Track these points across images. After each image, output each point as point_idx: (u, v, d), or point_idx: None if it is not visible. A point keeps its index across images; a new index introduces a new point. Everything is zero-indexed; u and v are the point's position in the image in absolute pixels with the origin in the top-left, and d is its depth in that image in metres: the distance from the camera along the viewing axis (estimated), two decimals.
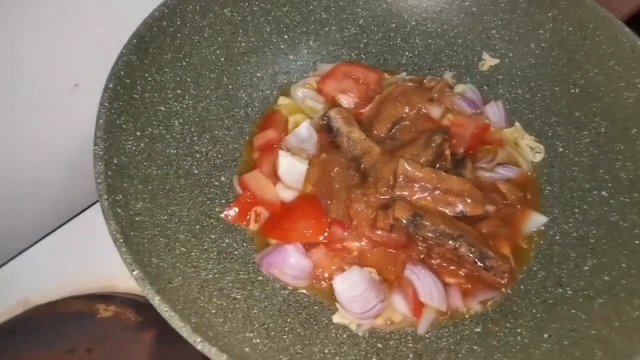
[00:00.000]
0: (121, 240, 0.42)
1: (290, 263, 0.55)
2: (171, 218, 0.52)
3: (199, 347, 0.37)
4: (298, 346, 0.46)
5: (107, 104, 0.50)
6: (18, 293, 0.61)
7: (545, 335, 0.46)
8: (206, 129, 0.63)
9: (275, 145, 0.65)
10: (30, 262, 0.64)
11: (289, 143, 0.65)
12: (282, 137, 0.65)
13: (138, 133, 0.54)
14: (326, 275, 0.56)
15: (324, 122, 0.64)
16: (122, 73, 0.52)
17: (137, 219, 0.47)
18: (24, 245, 0.66)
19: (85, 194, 0.71)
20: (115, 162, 0.48)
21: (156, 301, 0.39)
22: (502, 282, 0.52)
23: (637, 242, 0.49)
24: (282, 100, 0.71)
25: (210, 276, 0.49)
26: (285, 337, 0.47)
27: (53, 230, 0.68)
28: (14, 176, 0.66)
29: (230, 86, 0.67)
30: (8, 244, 0.66)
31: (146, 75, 0.56)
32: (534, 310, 0.50)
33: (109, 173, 0.46)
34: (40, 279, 0.62)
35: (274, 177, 0.62)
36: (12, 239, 0.67)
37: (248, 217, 0.59)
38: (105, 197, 0.44)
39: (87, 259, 0.64)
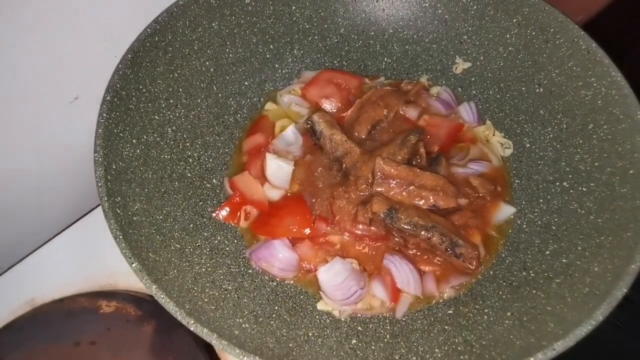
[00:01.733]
0: (120, 237, 0.46)
1: (278, 257, 0.59)
2: (166, 218, 0.56)
3: (192, 329, 0.42)
4: (284, 330, 0.50)
5: (105, 115, 0.54)
6: (26, 293, 0.65)
7: (509, 314, 0.50)
8: (198, 135, 0.67)
9: (262, 149, 0.69)
10: (36, 265, 0.68)
11: (275, 146, 0.69)
12: (270, 141, 0.70)
13: (134, 140, 0.58)
14: (311, 267, 0.60)
15: (308, 126, 0.69)
16: (118, 86, 0.57)
17: (134, 218, 0.51)
18: (30, 249, 0.70)
19: (86, 200, 0.75)
20: (114, 167, 0.53)
21: (153, 289, 0.43)
22: (471, 267, 0.56)
23: (591, 226, 0.53)
24: (269, 106, 0.75)
25: (203, 270, 0.54)
26: (272, 322, 0.51)
27: (56, 235, 0.72)
28: (18, 184, 0.70)
29: (219, 95, 0.71)
30: (15, 247, 0.70)
31: (140, 87, 0.61)
32: (500, 292, 0.54)
33: (108, 177, 0.50)
34: (45, 280, 0.66)
35: (262, 178, 0.67)
36: (18, 244, 0.71)
37: (238, 215, 0.64)
38: (105, 199, 0.48)
39: (90, 260, 0.68)
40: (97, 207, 0.74)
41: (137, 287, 0.65)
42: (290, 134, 0.69)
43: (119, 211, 0.49)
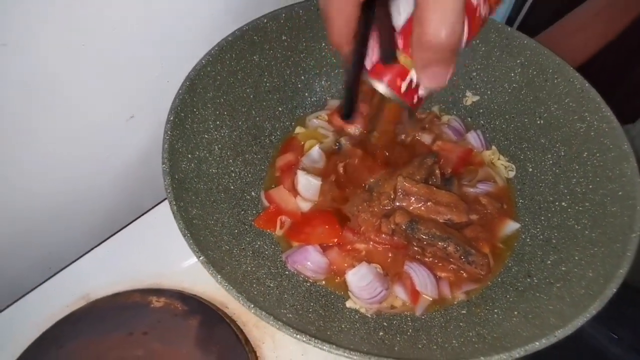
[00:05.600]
0: (188, 234, 0.54)
1: (311, 260, 0.66)
2: (216, 223, 0.64)
3: (252, 312, 0.49)
4: (321, 322, 0.57)
5: (169, 132, 0.63)
6: (80, 290, 0.72)
7: (515, 313, 0.58)
8: (239, 153, 0.76)
9: (293, 166, 0.78)
10: (89, 265, 0.75)
11: (304, 163, 0.78)
12: (299, 159, 0.79)
13: (189, 155, 0.67)
14: (340, 270, 0.67)
15: (337, 147, 0.78)
16: (178, 108, 0.65)
17: (193, 222, 0.59)
18: (82, 252, 0.78)
19: (131, 209, 0.84)
20: (176, 177, 0.61)
21: (218, 278, 0.51)
22: (482, 273, 0.64)
23: (586, 240, 0.61)
24: (299, 130, 0.84)
25: (249, 269, 0.61)
26: (310, 315, 0.58)
27: (106, 239, 0.79)
28: (73, 192, 0.78)
29: (257, 118, 0.79)
30: (69, 251, 0.78)
31: (194, 109, 0.69)
32: (507, 296, 0.62)
33: (174, 185, 0.59)
34: (97, 279, 0.73)
35: (294, 191, 0.75)
36: (72, 247, 0.78)
37: (275, 224, 0.72)
38: (174, 202, 0.56)
39: (136, 263, 0.75)
40: (141, 215, 0.82)
41: (181, 287, 0.72)
42: (315, 153, 0.78)
43: (183, 214, 0.57)
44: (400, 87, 0.40)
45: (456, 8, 0.31)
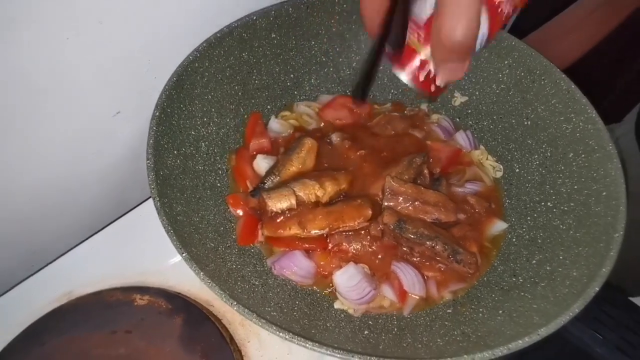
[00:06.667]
0: (171, 231, 0.53)
1: (298, 265, 0.65)
2: (202, 220, 0.64)
3: (235, 309, 0.48)
4: (306, 320, 0.57)
5: (154, 128, 0.62)
6: (63, 286, 0.71)
7: (500, 312, 0.58)
8: (226, 151, 0.75)
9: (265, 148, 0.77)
10: (73, 262, 0.74)
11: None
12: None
13: (175, 152, 0.66)
14: (327, 272, 0.67)
15: (327, 142, 0.78)
16: (165, 104, 0.65)
17: (178, 218, 0.58)
18: (66, 248, 0.77)
19: (118, 205, 0.82)
20: (161, 173, 0.60)
21: (201, 275, 0.50)
22: (470, 271, 0.64)
23: (571, 239, 0.62)
24: (285, 112, 0.83)
25: (234, 266, 0.61)
26: (295, 313, 0.58)
27: (90, 236, 0.78)
28: (60, 187, 0.76)
29: (245, 116, 0.79)
30: (53, 246, 0.77)
31: (181, 106, 0.69)
32: (493, 295, 0.62)
33: (158, 181, 0.58)
34: (81, 276, 0.72)
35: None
36: (55, 243, 0.77)
37: (255, 234, 0.68)
38: (157, 199, 0.56)
39: (122, 260, 0.74)
40: (127, 212, 0.81)
41: (166, 285, 0.72)
42: (273, 124, 0.80)
43: (167, 210, 0.56)
44: (418, 77, 0.45)
45: (471, 14, 0.35)
